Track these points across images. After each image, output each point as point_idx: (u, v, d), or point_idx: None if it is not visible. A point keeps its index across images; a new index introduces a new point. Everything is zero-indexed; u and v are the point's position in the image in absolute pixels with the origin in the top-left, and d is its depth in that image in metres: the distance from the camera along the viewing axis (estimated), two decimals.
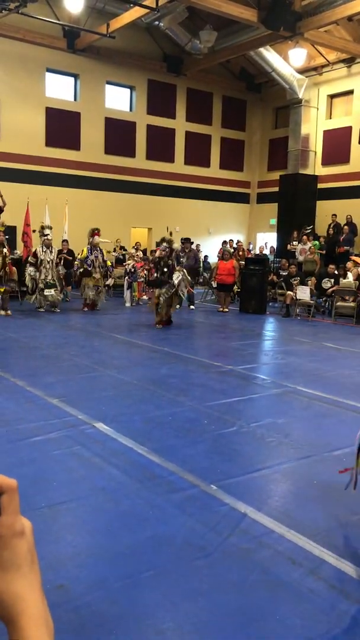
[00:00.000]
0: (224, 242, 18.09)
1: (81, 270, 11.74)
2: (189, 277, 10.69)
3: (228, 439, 4.46)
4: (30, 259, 11.64)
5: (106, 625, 2.27)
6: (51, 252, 11.54)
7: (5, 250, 10.98)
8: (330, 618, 2.38)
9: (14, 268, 11.37)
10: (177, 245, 10.69)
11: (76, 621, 2.28)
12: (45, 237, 11.45)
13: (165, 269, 9.88)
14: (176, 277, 9.87)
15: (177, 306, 11.92)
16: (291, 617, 2.37)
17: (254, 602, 2.45)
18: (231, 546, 2.85)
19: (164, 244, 9.98)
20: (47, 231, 11.54)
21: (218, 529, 3.00)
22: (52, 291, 11.42)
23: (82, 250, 11.95)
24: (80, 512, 3.21)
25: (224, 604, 2.43)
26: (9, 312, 10.86)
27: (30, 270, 11.38)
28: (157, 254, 10.27)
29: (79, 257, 11.96)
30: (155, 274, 10.07)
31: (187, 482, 3.58)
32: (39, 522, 3.02)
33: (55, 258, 11.63)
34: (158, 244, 10.35)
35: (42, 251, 11.43)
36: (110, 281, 12.57)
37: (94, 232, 11.84)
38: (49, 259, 11.42)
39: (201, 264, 16.65)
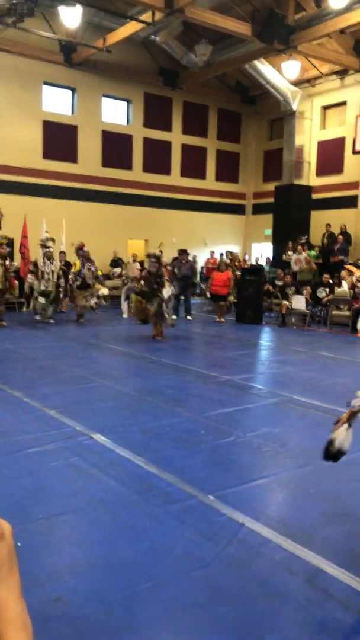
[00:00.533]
0: (212, 253, 18.23)
1: (78, 283, 11.73)
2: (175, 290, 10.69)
3: (225, 449, 4.46)
4: (31, 267, 11.73)
5: (104, 638, 2.26)
6: (52, 263, 11.55)
7: (7, 262, 11.04)
8: (329, 628, 2.37)
9: (16, 282, 11.44)
10: (165, 258, 10.68)
11: (74, 634, 2.27)
12: (47, 250, 11.48)
13: (156, 285, 9.83)
14: (166, 292, 9.87)
15: (174, 317, 11.93)
16: (290, 627, 2.37)
17: (253, 613, 2.44)
18: (229, 556, 2.84)
19: (152, 259, 9.92)
20: (49, 243, 11.57)
21: (216, 539, 3.00)
22: (44, 300, 11.44)
23: (75, 264, 11.97)
24: (77, 523, 3.20)
25: (222, 615, 2.42)
26: (4, 322, 10.87)
27: (29, 277, 11.49)
28: (147, 267, 10.19)
29: (73, 270, 11.97)
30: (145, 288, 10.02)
31: (185, 493, 3.57)
32: (37, 533, 3.01)
33: (57, 270, 11.65)
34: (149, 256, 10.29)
35: (43, 262, 11.46)
36: (104, 290, 12.52)
37: (81, 246, 11.83)
38: (49, 270, 11.45)
39: (198, 275, 16.70)
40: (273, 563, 2.81)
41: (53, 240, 11.74)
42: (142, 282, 10.28)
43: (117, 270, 15.32)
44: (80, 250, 11.73)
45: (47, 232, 12.35)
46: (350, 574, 2.73)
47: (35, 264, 11.59)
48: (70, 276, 12.01)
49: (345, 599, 2.54)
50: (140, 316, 10.08)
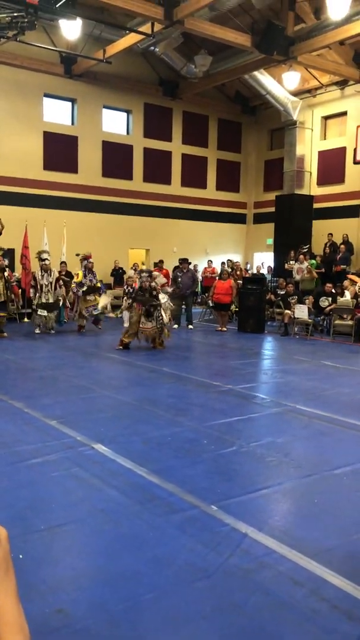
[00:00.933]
0: (209, 262, 18.27)
1: (84, 289, 11.70)
2: (172, 304, 10.48)
3: (228, 459, 4.44)
4: (32, 281, 11.84)
5: None
6: (49, 274, 11.60)
7: (6, 274, 11.08)
8: (334, 639, 2.35)
9: (19, 290, 11.51)
10: (156, 273, 10.50)
11: None
12: (43, 262, 11.54)
13: (154, 300, 9.69)
14: (162, 298, 9.81)
15: (175, 326, 11.90)
16: (294, 638, 2.34)
17: (257, 624, 2.42)
18: (232, 567, 2.82)
19: (144, 274, 9.80)
20: (44, 255, 11.64)
21: (219, 549, 2.98)
22: (46, 312, 11.47)
23: (78, 274, 11.99)
24: (79, 534, 3.18)
25: (226, 626, 2.40)
26: (4, 334, 10.88)
27: (31, 291, 11.62)
28: (137, 284, 9.92)
29: (75, 280, 11.99)
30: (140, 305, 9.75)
31: (187, 503, 3.55)
32: (38, 544, 3.00)
33: (54, 281, 11.66)
34: (141, 272, 10.10)
35: (41, 275, 11.52)
36: (110, 313, 12.32)
37: (87, 256, 11.87)
38: (47, 282, 11.49)
39: (199, 284, 16.73)
40: (277, 573, 2.79)
41: (48, 252, 11.82)
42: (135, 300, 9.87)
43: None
44: (85, 260, 11.77)
45: (46, 244, 12.39)
46: (355, 584, 2.70)
47: (34, 277, 11.67)
48: (72, 285, 12.03)
49: (350, 610, 2.52)
50: (126, 340, 9.71)
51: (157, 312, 9.72)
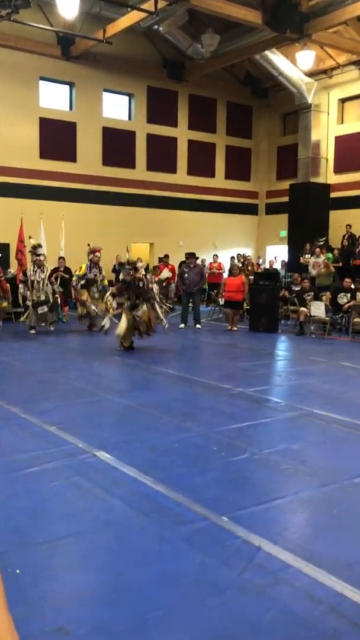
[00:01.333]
0: (215, 257, 18.22)
1: (82, 282, 11.75)
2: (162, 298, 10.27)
3: (239, 467, 4.44)
4: (21, 276, 11.81)
5: None
6: (42, 271, 11.54)
7: None
8: None
9: (7, 285, 11.48)
10: (141, 264, 10.26)
11: None
12: (38, 258, 11.45)
13: (138, 293, 9.51)
14: (156, 289, 9.71)
15: (181, 326, 11.84)
16: None
17: None
18: (245, 582, 2.82)
19: (127, 267, 9.58)
20: (39, 250, 11.58)
21: (231, 563, 2.97)
22: (45, 307, 11.48)
23: (81, 267, 12.01)
24: (81, 547, 3.19)
25: None
26: None
27: (20, 287, 11.58)
28: (120, 277, 9.76)
29: (77, 273, 12.01)
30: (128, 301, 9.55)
31: (196, 514, 3.55)
32: (37, 559, 3.01)
33: (47, 277, 11.65)
34: (123, 265, 9.74)
35: (33, 271, 11.44)
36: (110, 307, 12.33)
37: (95, 250, 11.91)
38: (39, 279, 11.44)
39: (206, 281, 16.73)
40: (294, 589, 2.78)
41: (40, 245, 11.81)
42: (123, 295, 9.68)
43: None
44: (92, 253, 11.78)
45: (30, 237, 12.31)
46: None
47: (25, 273, 11.66)
48: (74, 278, 12.07)
49: None
50: (126, 344, 9.60)
51: (149, 303, 9.56)
